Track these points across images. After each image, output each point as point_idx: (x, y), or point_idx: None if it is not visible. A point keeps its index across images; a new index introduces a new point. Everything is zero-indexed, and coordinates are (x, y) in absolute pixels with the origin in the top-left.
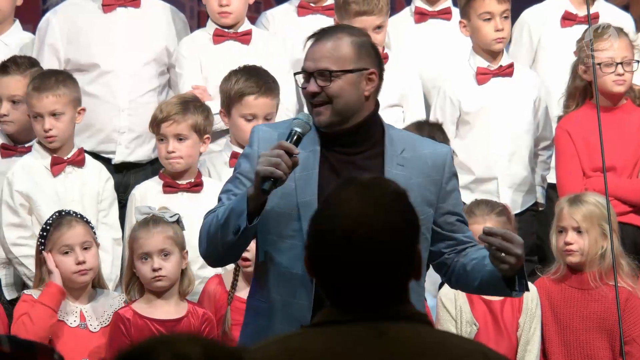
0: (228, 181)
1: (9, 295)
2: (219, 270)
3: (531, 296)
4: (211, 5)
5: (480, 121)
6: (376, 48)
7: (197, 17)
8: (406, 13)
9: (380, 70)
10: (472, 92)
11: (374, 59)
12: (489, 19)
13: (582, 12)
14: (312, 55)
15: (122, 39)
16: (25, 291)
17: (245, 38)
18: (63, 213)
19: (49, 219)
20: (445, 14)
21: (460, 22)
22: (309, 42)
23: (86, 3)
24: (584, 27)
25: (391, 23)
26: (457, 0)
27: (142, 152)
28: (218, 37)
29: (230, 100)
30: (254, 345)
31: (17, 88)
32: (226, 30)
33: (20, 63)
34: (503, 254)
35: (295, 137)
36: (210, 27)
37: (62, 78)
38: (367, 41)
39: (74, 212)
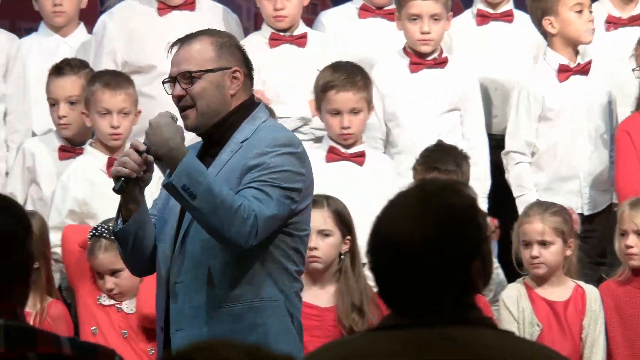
0: None
1: (70, 298)
2: None
3: (594, 297)
4: (266, 9)
5: (562, 118)
6: (241, 48)
7: (253, 19)
8: (468, 15)
9: (248, 69)
10: (554, 90)
11: (238, 58)
12: (580, 11)
13: (625, 14)
14: (175, 61)
15: None
16: None
17: (301, 41)
18: (97, 234)
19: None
20: (507, 16)
21: (545, 19)
22: (171, 49)
23: (142, 5)
24: (628, 29)
25: (451, 25)
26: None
27: None
28: (274, 41)
29: (317, 96)
30: (314, 350)
31: (73, 89)
32: (282, 33)
33: (73, 64)
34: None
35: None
36: (266, 30)
37: (128, 78)
38: (229, 41)
39: (107, 234)
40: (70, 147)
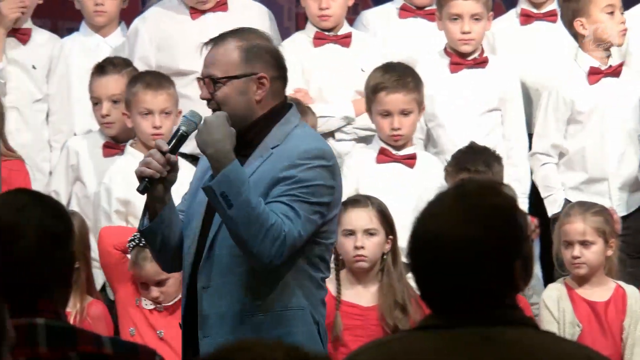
0: None
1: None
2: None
3: (635, 298)
4: (311, 8)
5: (592, 121)
6: (272, 50)
7: (295, 19)
8: (511, 15)
9: (278, 73)
10: (584, 93)
11: (266, 62)
12: (611, 12)
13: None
14: (204, 61)
15: None
16: None
17: (345, 41)
18: (141, 244)
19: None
20: (550, 16)
21: (577, 21)
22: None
23: (174, 9)
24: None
25: (495, 25)
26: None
27: None
28: (318, 40)
29: (368, 97)
30: (355, 350)
31: (116, 87)
32: (326, 33)
33: (116, 63)
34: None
35: (178, 136)
36: (310, 30)
37: (169, 78)
38: (259, 44)
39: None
40: (115, 144)
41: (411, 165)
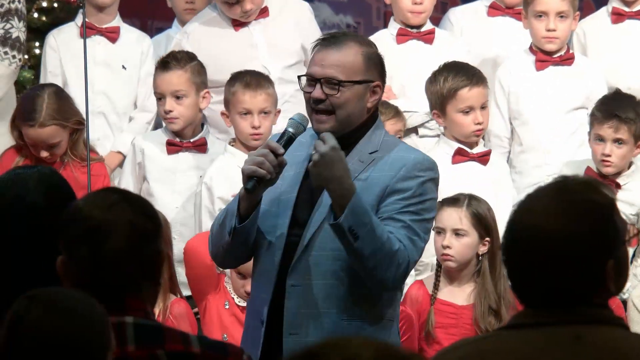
0: None
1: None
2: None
3: None
4: (404, 2)
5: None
6: (382, 59)
7: (383, 18)
8: (602, 14)
9: (384, 82)
10: None
11: (380, 71)
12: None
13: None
14: (320, 61)
15: (260, 50)
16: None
17: (428, 37)
18: None
19: None
20: None
21: None
22: (316, 47)
23: (215, 22)
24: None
25: (586, 23)
26: None
27: None
28: (402, 37)
29: (443, 99)
30: (446, 347)
31: (179, 83)
32: (410, 29)
33: (180, 58)
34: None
35: (286, 138)
36: (393, 26)
37: (268, 78)
38: (375, 52)
39: None
40: (179, 142)
41: (485, 163)
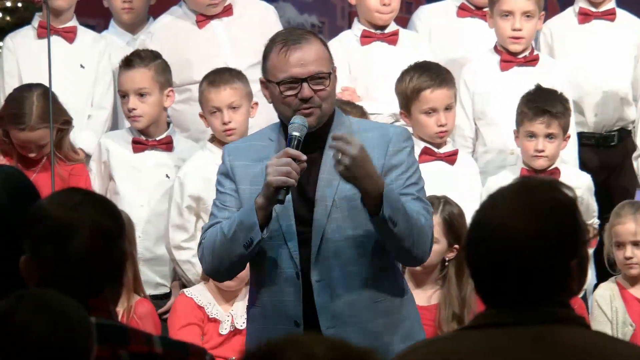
0: (215, 199)
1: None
2: None
3: None
4: (370, 3)
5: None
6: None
7: (347, 18)
8: (569, 14)
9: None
10: None
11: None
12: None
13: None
14: (298, 62)
15: (223, 48)
16: (184, 290)
17: (392, 38)
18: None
19: None
20: (609, 14)
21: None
22: (280, 49)
23: (180, 21)
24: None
25: (552, 23)
26: None
27: None
28: (366, 38)
29: (407, 99)
30: (405, 349)
31: (142, 81)
32: (374, 31)
33: (144, 56)
34: (340, 155)
35: (296, 142)
36: (357, 28)
37: (236, 73)
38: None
39: None
40: (144, 140)
41: (452, 162)
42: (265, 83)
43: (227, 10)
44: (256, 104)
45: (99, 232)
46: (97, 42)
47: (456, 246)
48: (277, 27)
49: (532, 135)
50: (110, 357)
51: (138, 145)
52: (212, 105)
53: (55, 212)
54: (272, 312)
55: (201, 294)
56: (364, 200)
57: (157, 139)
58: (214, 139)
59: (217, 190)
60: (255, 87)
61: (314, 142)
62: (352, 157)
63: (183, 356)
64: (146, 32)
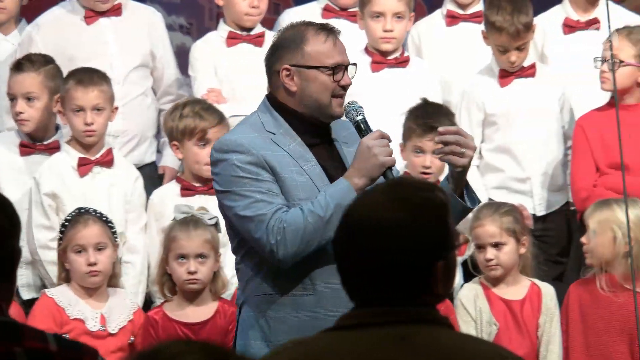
0: (250, 187)
1: (26, 295)
2: None
3: (550, 295)
4: (240, 5)
5: (508, 122)
6: None
7: (216, 19)
8: (437, 16)
9: None
10: (495, 94)
11: None
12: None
13: (583, 18)
14: (342, 50)
15: (110, 47)
16: (45, 290)
17: (258, 40)
18: (82, 211)
19: (68, 216)
20: (476, 17)
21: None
22: (325, 37)
23: (68, 15)
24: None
25: (420, 25)
26: None
27: (137, 155)
28: (232, 40)
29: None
30: (274, 349)
31: (31, 85)
32: (239, 32)
33: (34, 60)
34: (462, 149)
35: (363, 124)
36: (224, 29)
37: (103, 75)
38: None
39: (94, 211)
40: (31, 143)
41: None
42: (298, 68)
43: (117, 10)
44: (116, 108)
45: None
46: None
47: None
48: (164, 34)
49: (420, 150)
50: (4, 354)
51: (25, 149)
52: (77, 104)
53: None
54: (332, 299)
55: (63, 294)
56: (459, 186)
57: (45, 143)
58: (71, 140)
59: (250, 178)
60: (137, 90)
61: (327, 133)
62: (474, 149)
63: (78, 356)
64: (34, 23)
